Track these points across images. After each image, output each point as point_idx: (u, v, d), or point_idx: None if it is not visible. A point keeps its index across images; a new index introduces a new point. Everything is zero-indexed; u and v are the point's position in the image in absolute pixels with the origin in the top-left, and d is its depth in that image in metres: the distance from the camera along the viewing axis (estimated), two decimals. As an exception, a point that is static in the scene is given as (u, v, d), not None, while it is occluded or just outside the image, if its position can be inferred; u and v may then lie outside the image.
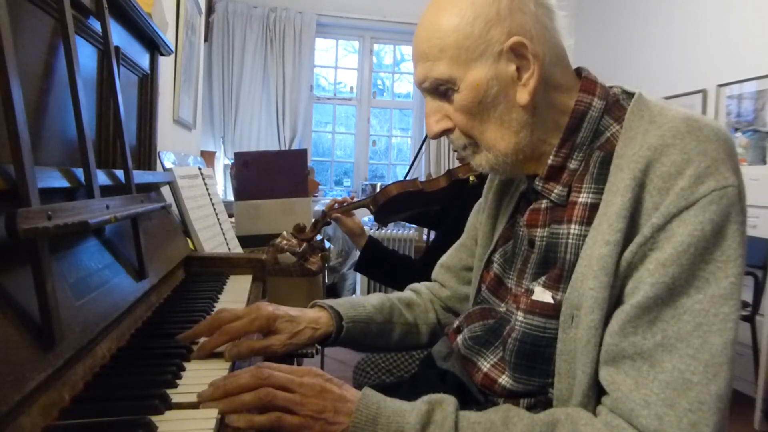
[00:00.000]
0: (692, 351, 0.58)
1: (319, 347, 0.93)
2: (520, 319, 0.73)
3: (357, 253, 1.91)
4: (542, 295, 0.72)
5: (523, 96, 0.70)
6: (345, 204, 1.80)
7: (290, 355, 0.94)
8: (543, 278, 0.73)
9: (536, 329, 0.71)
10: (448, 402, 0.65)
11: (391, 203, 1.78)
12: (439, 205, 1.83)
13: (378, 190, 2.02)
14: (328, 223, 1.80)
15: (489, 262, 0.88)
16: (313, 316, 0.88)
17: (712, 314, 0.58)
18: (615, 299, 0.65)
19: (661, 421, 0.57)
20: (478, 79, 0.70)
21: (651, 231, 0.61)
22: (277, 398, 0.61)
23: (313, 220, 1.84)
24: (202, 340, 0.77)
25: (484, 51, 0.69)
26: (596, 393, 0.65)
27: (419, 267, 1.67)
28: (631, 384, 0.60)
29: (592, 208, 0.69)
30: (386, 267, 1.70)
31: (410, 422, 0.62)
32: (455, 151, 1.79)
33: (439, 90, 0.74)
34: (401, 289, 1.76)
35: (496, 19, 0.69)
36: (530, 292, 0.74)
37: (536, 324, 0.71)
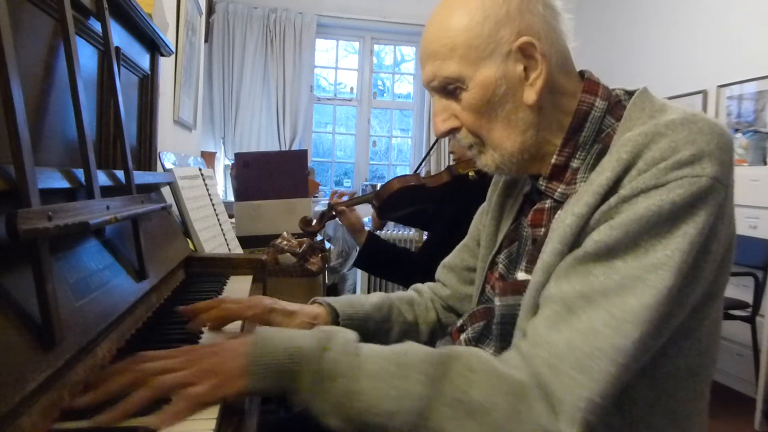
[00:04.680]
0: (608, 306, 0.60)
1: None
2: (497, 303, 0.75)
3: (357, 253, 1.92)
4: (523, 278, 0.74)
5: (530, 96, 0.71)
6: (348, 198, 1.83)
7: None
8: (524, 263, 0.75)
9: (513, 309, 0.73)
10: (346, 330, 0.68)
11: (394, 198, 1.79)
12: (438, 202, 1.84)
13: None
14: (333, 217, 1.83)
15: (493, 264, 0.89)
16: (311, 312, 0.91)
17: (639, 279, 0.60)
18: None
19: (558, 359, 0.59)
20: (487, 78, 0.71)
21: (616, 201, 0.63)
22: (166, 383, 0.58)
23: (320, 213, 1.88)
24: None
25: (493, 50, 0.71)
26: None
27: (417, 259, 1.68)
28: (547, 324, 0.63)
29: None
30: (385, 261, 1.71)
31: (307, 341, 0.64)
32: (451, 152, 1.80)
33: (448, 89, 0.74)
34: (401, 282, 1.77)
35: (505, 20, 0.70)
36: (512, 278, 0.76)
37: (511, 303, 0.73)
